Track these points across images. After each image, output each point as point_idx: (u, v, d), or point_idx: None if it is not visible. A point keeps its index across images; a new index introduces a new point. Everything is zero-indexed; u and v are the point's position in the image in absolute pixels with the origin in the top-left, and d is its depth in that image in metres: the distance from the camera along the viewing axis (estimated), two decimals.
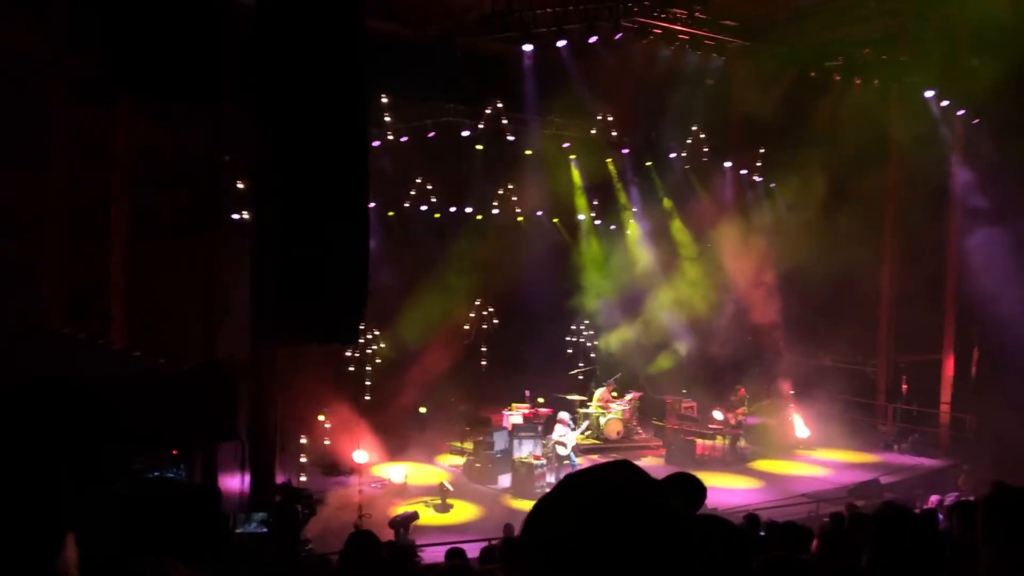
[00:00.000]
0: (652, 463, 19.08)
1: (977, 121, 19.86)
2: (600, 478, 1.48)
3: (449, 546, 9.06)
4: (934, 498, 11.69)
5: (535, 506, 1.49)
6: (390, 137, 19.34)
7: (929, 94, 19.46)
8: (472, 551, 9.28)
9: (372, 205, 13.33)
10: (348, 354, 19.75)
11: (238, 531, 11.36)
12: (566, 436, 16.86)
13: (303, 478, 15.79)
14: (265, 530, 11.38)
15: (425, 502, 15.43)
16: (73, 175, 14.34)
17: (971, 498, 9.98)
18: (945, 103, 19.68)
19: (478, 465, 17.15)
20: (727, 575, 2.69)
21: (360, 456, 16.25)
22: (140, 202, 15.30)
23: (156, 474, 11.25)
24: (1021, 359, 18.45)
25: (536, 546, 1.43)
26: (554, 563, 1.38)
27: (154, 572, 5.09)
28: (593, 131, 22.06)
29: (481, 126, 20.51)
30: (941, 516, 8.12)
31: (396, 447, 18.00)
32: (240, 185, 15.75)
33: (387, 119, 19.09)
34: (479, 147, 21.25)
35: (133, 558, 5.30)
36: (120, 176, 15.20)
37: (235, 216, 15.82)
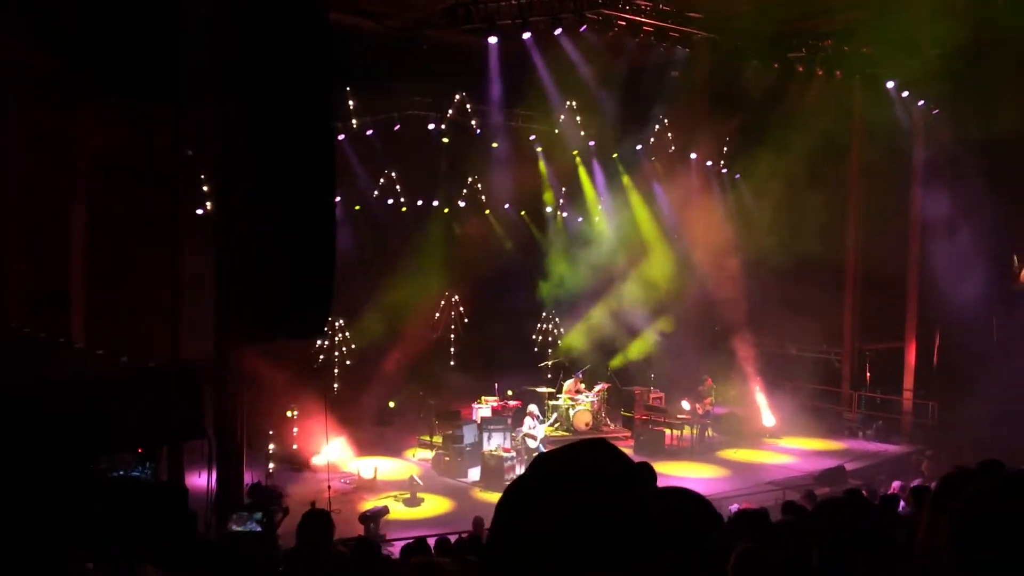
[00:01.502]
0: None
1: (937, 111, 20.13)
2: (572, 456, 1.48)
3: (419, 539, 9.06)
4: (896, 484, 11.89)
5: (508, 488, 1.50)
6: (356, 130, 19.23)
7: (890, 85, 19.70)
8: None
9: (338, 199, 13.24)
10: (316, 349, 19.66)
11: (234, 528, 11.25)
12: (535, 428, 16.90)
13: (271, 466, 15.68)
14: (259, 528, 11.28)
15: (395, 496, 15.41)
16: (33, 174, 14.14)
17: (932, 483, 10.14)
18: (905, 93, 19.92)
19: (447, 459, 17.15)
20: (695, 544, 2.72)
21: (329, 451, 16.19)
22: (102, 199, 15.13)
23: (121, 473, 11.12)
24: (982, 345, 18.80)
25: (512, 527, 1.43)
26: (530, 543, 1.39)
27: (122, 573, 5.05)
28: (559, 123, 22.09)
29: (447, 119, 20.46)
30: (903, 502, 8.26)
31: (365, 442, 17.95)
32: (204, 181, 15.61)
33: (352, 112, 18.98)
34: (445, 140, 21.21)
35: (103, 556, 5.26)
36: (81, 174, 15.01)
37: (199, 211, 15.68)
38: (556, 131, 22.25)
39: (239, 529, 11.15)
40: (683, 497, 2.83)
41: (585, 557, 1.36)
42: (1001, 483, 1.72)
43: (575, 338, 22.95)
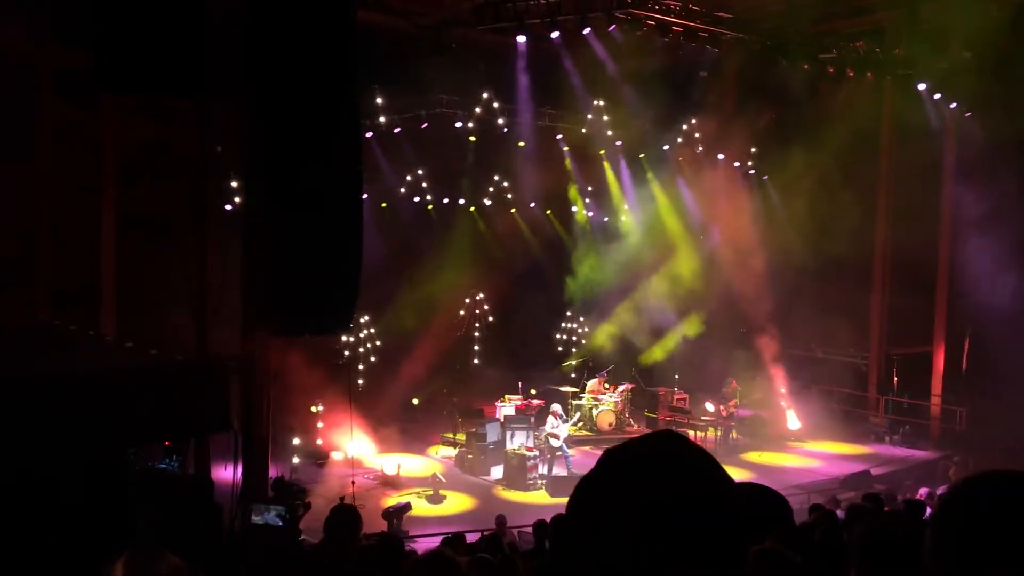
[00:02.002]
0: None
1: (969, 114, 19.91)
2: (645, 450, 1.46)
3: (442, 536, 9.08)
4: (924, 490, 11.76)
5: (579, 486, 1.47)
6: (383, 128, 19.30)
7: (922, 87, 19.50)
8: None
9: (365, 196, 13.28)
10: (341, 345, 19.76)
11: (255, 519, 11.33)
12: (558, 428, 16.89)
13: (295, 460, 15.77)
14: (280, 523, 11.34)
15: (418, 493, 15.46)
16: (61, 169, 14.30)
17: None
18: (937, 96, 19.71)
19: (470, 456, 17.18)
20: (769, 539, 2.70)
21: (353, 447, 16.26)
22: (130, 195, 15.28)
23: (149, 465, 11.23)
24: (1012, 351, 18.55)
25: (586, 522, 1.41)
26: (606, 536, 1.36)
27: (149, 564, 5.09)
28: (587, 122, 22.05)
29: (474, 118, 20.48)
30: (930, 508, 8.16)
31: (389, 438, 18.02)
32: (232, 177, 15.72)
33: (380, 111, 19.05)
34: (472, 138, 21.23)
35: (128, 549, 5.31)
36: (109, 169, 15.17)
37: (227, 207, 15.79)
38: (583, 130, 22.21)
39: (260, 522, 11.23)
40: (758, 490, 2.82)
41: (672, 549, 1.35)
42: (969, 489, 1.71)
43: (600, 337, 22.90)
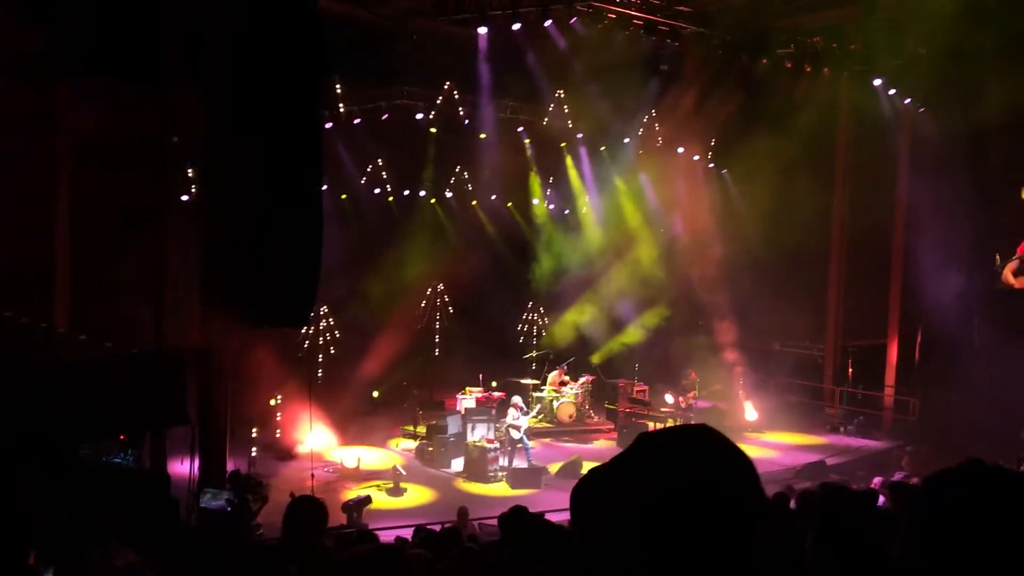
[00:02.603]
0: (604, 446, 19.25)
1: (923, 109, 20.24)
2: (683, 438, 1.46)
3: (401, 529, 9.06)
4: (877, 480, 11.96)
5: (608, 467, 1.46)
6: (343, 119, 19.15)
7: (877, 82, 19.77)
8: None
9: (325, 188, 13.18)
10: (300, 337, 19.62)
11: (202, 506, 11.24)
12: (519, 420, 16.93)
13: (253, 453, 15.65)
14: (227, 507, 11.28)
15: (378, 486, 15.41)
16: (14, 156, 13.99)
17: (913, 479, 10.24)
18: (892, 91, 20.01)
19: (431, 449, 17.16)
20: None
21: (312, 440, 16.17)
22: (86, 183, 15.00)
23: (104, 460, 11.08)
24: (963, 343, 18.94)
25: (619, 505, 1.40)
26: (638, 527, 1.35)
27: (102, 559, 5.02)
28: (547, 115, 22.08)
29: (435, 109, 20.40)
30: (883, 497, 8.32)
31: (349, 431, 17.94)
32: (190, 166, 15.51)
33: (340, 101, 18.90)
34: (433, 130, 21.15)
35: (82, 545, 5.23)
36: (63, 157, 14.88)
37: (185, 197, 15.58)
38: (544, 122, 22.24)
39: (209, 507, 11.15)
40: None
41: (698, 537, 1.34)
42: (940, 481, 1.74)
43: (560, 330, 22.97)
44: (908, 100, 20.15)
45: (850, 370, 21.82)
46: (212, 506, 11.28)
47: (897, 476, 12.39)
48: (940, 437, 16.96)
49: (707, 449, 1.44)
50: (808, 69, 19.22)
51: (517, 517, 5.40)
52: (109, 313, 14.08)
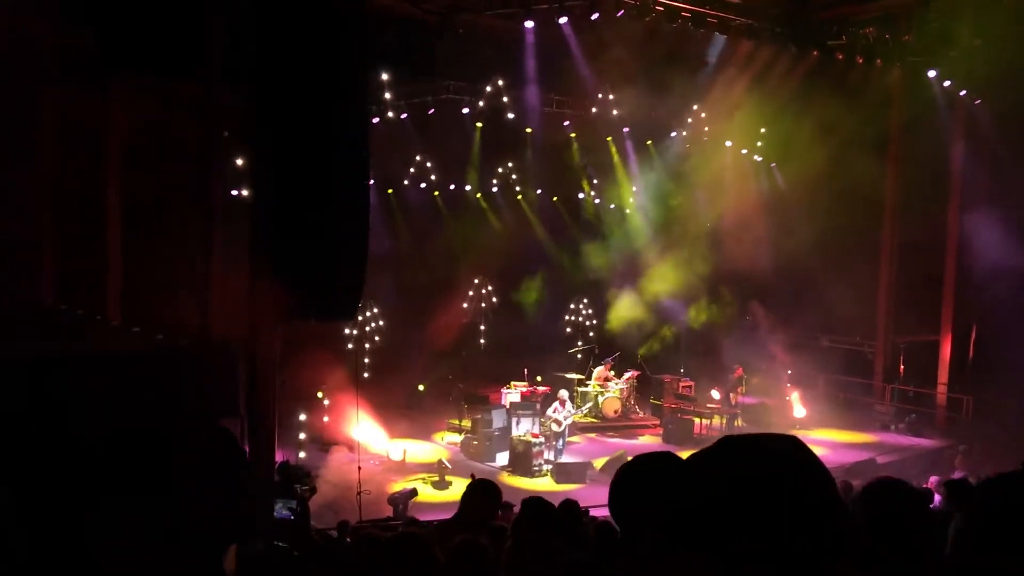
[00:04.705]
0: (649, 442, 19.15)
1: (978, 102, 19.80)
2: (767, 444, 1.45)
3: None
4: (934, 479, 11.74)
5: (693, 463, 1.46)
6: (390, 115, 19.25)
7: (931, 74, 19.38)
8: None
9: (371, 182, 13.25)
10: (347, 331, 19.78)
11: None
12: (560, 413, 16.91)
13: (302, 454, 15.83)
14: (290, 515, 11.34)
15: (423, 479, 15.49)
16: (66, 153, 14.26)
17: (969, 479, 10.01)
18: (947, 83, 19.59)
19: (476, 443, 17.20)
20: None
21: (359, 433, 16.30)
22: (136, 179, 15.24)
23: None
24: (1018, 340, 18.50)
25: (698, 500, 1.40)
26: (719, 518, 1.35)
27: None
28: (594, 109, 21.98)
29: (481, 104, 20.42)
30: (938, 496, 8.15)
31: (395, 424, 18.05)
32: (239, 162, 15.70)
33: (387, 96, 19.00)
34: (479, 125, 21.18)
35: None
36: (114, 154, 15.13)
37: (234, 192, 15.77)
38: (591, 117, 22.14)
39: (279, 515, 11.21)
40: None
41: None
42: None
43: (605, 324, 22.89)
44: (963, 92, 19.71)
45: (901, 367, 21.44)
46: (281, 515, 11.33)
47: (956, 475, 12.14)
48: (994, 437, 16.62)
49: (790, 462, 1.42)
50: (860, 61, 18.86)
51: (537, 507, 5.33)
52: (160, 306, 14.30)
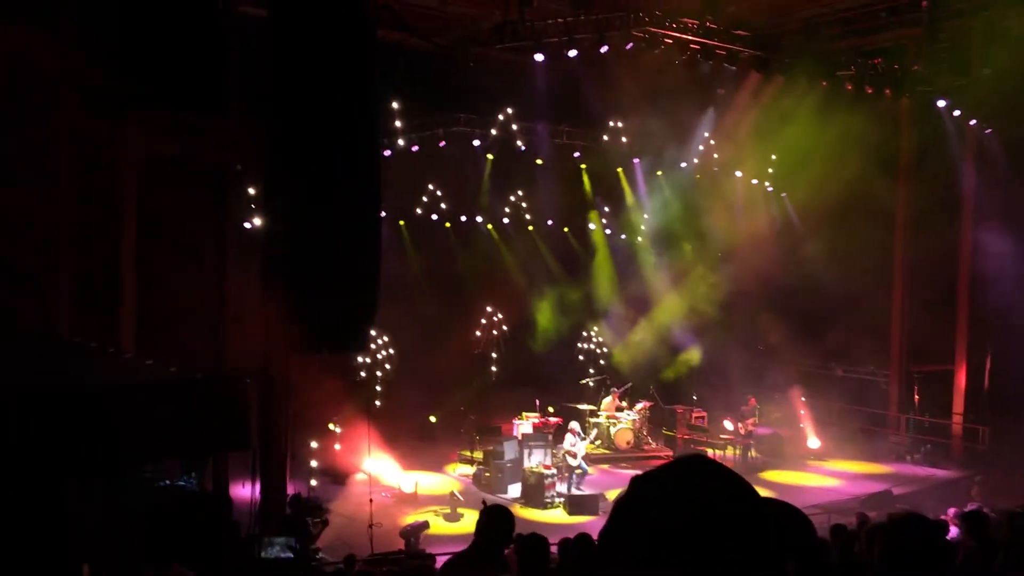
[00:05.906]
0: None
1: (989, 131, 19.80)
2: (675, 474, 1.45)
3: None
4: (952, 510, 11.60)
5: (611, 512, 1.46)
6: (401, 145, 19.39)
7: (941, 104, 19.41)
8: None
9: (383, 214, 13.32)
10: (359, 363, 19.79)
11: (262, 555, 11.24)
12: (576, 446, 16.83)
13: (313, 482, 15.78)
14: (290, 555, 11.29)
15: (435, 511, 15.42)
16: (83, 185, 14.41)
17: (985, 510, 9.91)
18: (957, 113, 19.61)
19: (488, 474, 17.13)
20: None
21: (370, 465, 16.26)
22: (150, 211, 15.37)
23: (167, 483, 11.26)
24: None
25: (617, 545, 1.40)
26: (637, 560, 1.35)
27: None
28: (604, 140, 22.10)
29: (492, 135, 20.56)
30: (954, 528, 8.07)
31: (406, 456, 18.00)
32: (252, 193, 15.82)
33: (398, 128, 19.16)
34: (490, 156, 21.31)
35: (143, 566, 5.31)
36: (130, 186, 15.28)
37: (247, 224, 15.89)
38: (601, 148, 22.25)
39: (264, 555, 11.14)
40: (782, 510, 2.80)
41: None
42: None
43: (617, 355, 22.83)
44: (973, 121, 19.72)
45: (916, 397, 21.27)
46: (279, 556, 11.26)
47: (971, 507, 12.00)
48: (1011, 467, 16.45)
49: (707, 480, 1.42)
50: (870, 91, 18.92)
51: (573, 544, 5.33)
52: (174, 338, 14.37)
